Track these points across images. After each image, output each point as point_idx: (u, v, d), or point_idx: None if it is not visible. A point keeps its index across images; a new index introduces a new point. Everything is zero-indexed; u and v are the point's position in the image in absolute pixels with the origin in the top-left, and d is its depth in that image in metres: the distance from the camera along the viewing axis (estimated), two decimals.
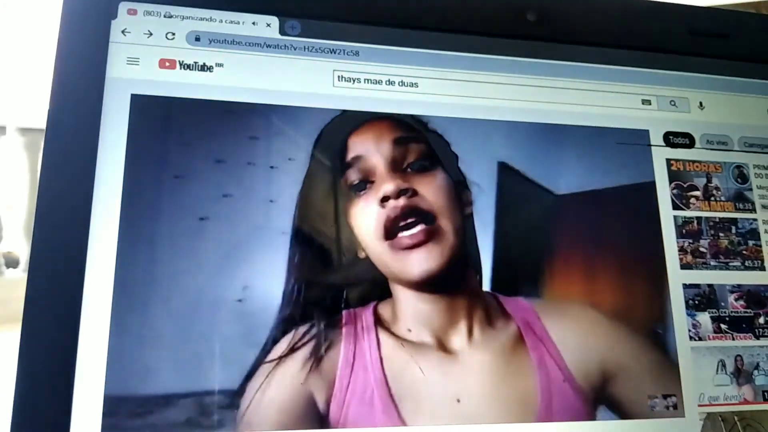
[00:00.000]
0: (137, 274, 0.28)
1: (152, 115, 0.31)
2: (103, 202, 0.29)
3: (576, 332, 0.33)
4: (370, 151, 0.33)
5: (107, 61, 0.31)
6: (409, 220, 0.32)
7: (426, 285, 0.32)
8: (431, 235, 0.32)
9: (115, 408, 0.27)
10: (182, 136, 0.31)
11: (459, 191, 0.34)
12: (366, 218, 0.32)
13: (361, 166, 0.33)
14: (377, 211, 0.32)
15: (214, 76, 0.32)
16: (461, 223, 0.33)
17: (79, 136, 0.29)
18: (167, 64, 0.32)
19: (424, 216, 0.32)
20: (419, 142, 0.33)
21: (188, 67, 0.32)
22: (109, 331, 0.27)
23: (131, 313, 0.28)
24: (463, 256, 0.33)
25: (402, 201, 0.32)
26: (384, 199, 0.32)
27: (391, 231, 0.32)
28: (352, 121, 0.33)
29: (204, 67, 0.32)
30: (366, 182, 0.32)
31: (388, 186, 0.32)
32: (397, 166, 0.33)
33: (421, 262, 0.32)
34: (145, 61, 0.31)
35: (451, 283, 0.33)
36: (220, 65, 0.32)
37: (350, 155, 0.33)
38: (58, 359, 0.27)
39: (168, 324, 0.28)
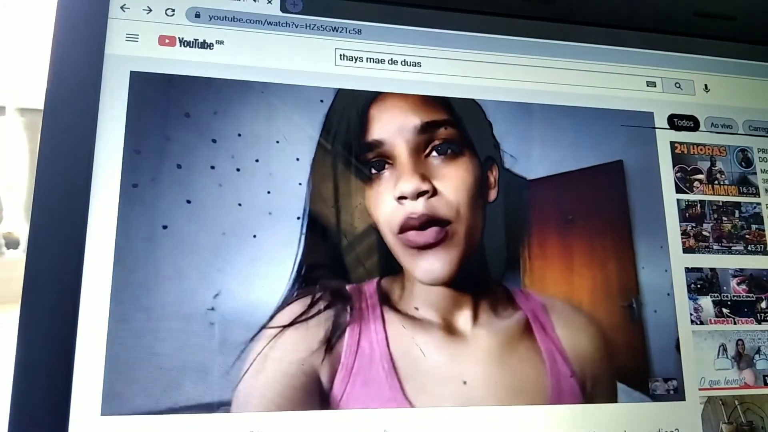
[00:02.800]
0: (137, 252, 0.28)
1: (152, 93, 0.30)
2: (103, 180, 0.29)
3: (582, 342, 0.32)
4: (393, 134, 0.32)
5: (106, 37, 0.30)
6: (424, 226, 0.31)
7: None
8: (443, 239, 0.31)
9: (114, 384, 0.27)
10: (182, 114, 0.30)
11: (485, 172, 0.33)
12: (381, 206, 0.31)
13: (381, 150, 0.32)
14: (393, 205, 0.31)
15: (214, 54, 0.32)
16: (480, 221, 0.33)
17: (78, 114, 0.29)
18: (167, 40, 0.31)
19: (440, 221, 0.31)
20: (447, 126, 0.33)
21: (188, 44, 0.31)
22: (108, 310, 0.27)
23: (131, 291, 0.28)
24: (478, 253, 0.32)
25: (420, 205, 0.31)
26: (401, 198, 0.31)
27: (403, 229, 0.31)
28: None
29: (204, 45, 0.32)
30: (384, 162, 0.32)
31: (406, 184, 0.31)
32: (420, 151, 0.32)
33: (430, 267, 0.31)
34: (145, 37, 0.31)
35: (460, 282, 0.32)
36: (220, 42, 0.32)
37: (370, 135, 0.32)
38: (58, 339, 0.26)
39: (169, 301, 0.28)
